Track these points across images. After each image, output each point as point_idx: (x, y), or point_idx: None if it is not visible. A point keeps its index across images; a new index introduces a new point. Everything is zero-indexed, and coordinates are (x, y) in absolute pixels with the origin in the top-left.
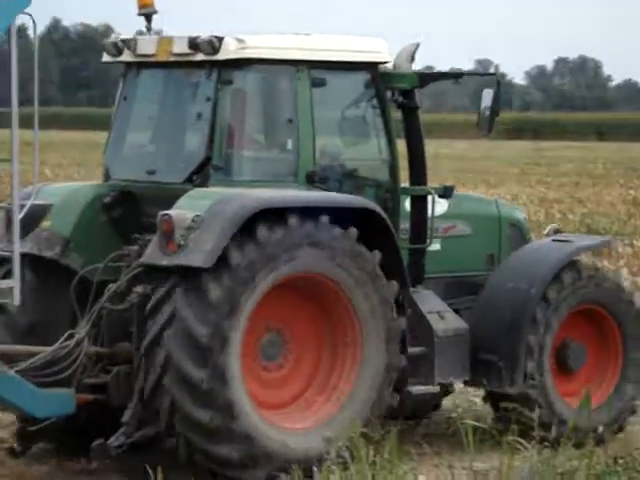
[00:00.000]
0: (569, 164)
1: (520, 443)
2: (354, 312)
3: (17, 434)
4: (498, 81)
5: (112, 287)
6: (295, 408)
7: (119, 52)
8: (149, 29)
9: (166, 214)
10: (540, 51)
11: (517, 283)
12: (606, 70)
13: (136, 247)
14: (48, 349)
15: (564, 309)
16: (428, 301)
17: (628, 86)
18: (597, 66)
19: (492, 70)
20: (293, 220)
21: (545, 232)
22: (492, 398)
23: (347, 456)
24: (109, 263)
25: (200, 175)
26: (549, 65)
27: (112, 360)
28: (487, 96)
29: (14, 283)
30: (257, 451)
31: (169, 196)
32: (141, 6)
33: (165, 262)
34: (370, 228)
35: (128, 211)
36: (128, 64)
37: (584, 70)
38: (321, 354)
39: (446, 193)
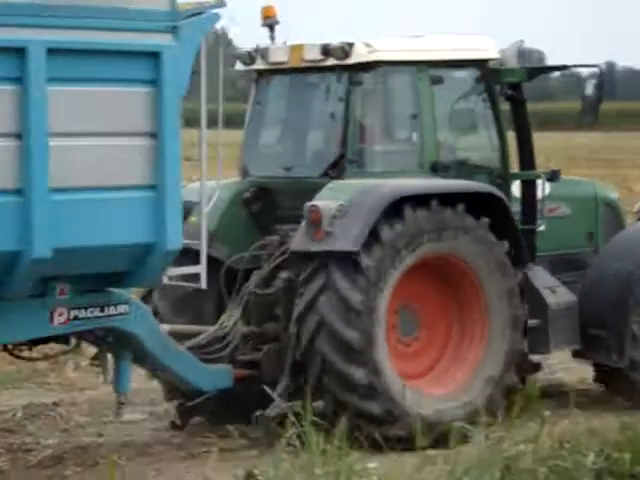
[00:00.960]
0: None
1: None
2: (483, 294)
3: (177, 409)
4: (602, 72)
5: (258, 273)
6: (431, 377)
7: (252, 61)
8: (273, 38)
9: (313, 205)
10: None
11: (623, 263)
12: (549, 61)
13: (277, 237)
14: (210, 329)
15: None
16: (540, 277)
17: (570, 76)
18: (540, 57)
19: None
20: (434, 205)
21: (635, 210)
22: (600, 370)
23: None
24: (252, 252)
25: (335, 169)
26: None
27: (261, 339)
28: (590, 86)
29: (201, 269)
30: (398, 410)
31: (306, 189)
32: (265, 17)
33: (314, 248)
34: (493, 213)
35: (266, 205)
36: (260, 71)
37: (529, 61)
38: (451, 329)
39: (553, 177)
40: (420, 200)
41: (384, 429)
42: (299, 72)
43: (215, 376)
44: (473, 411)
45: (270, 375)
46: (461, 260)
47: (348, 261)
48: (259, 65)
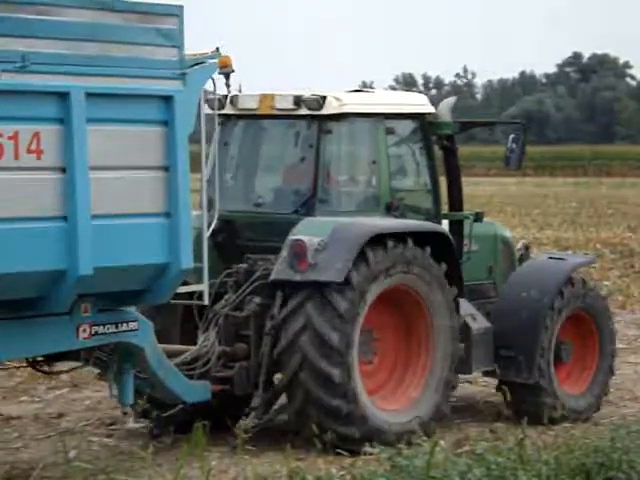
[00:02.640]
0: None
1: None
2: (428, 313)
3: (154, 420)
4: (525, 128)
5: (230, 298)
6: (386, 392)
7: (221, 106)
8: (228, 85)
9: (299, 239)
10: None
11: (530, 293)
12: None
13: (244, 265)
14: (193, 348)
15: (564, 315)
16: (463, 305)
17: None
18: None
19: None
20: (391, 243)
21: (518, 247)
22: (507, 387)
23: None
24: (222, 279)
25: (305, 207)
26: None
27: (232, 357)
28: (513, 139)
29: (204, 287)
30: (370, 429)
31: (275, 224)
32: (221, 67)
33: (298, 278)
34: (436, 246)
35: (230, 237)
36: (228, 115)
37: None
38: (402, 346)
39: (478, 218)
40: (377, 238)
41: (362, 447)
42: (268, 118)
43: (196, 390)
44: (423, 423)
45: (241, 390)
46: (410, 287)
47: (327, 297)
48: (228, 110)
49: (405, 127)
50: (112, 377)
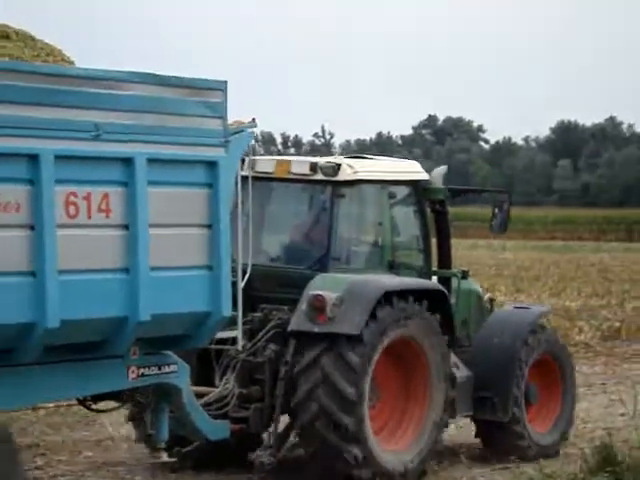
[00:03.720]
0: None
1: None
2: (425, 361)
3: (176, 454)
4: (510, 196)
5: (247, 344)
6: (386, 433)
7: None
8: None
9: (319, 294)
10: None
11: (501, 340)
12: None
13: (260, 314)
14: (216, 390)
15: (531, 361)
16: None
17: None
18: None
19: None
20: (396, 300)
21: (485, 298)
22: (483, 427)
23: None
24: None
25: (319, 263)
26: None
27: (247, 399)
28: (497, 206)
29: (238, 333)
30: (377, 469)
31: (291, 278)
32: None
33: (317, 329)
34: (433, 301)
35: (245, 289)
36: (245, 177)
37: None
38: (401, 391)
39: (464, 275)
40: (391, 295)
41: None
42: (284, 182)
43: (219, 428)
44: (421, 461)
45: (257, 428)
46: (410, 338)
47: (341, 352)
48: (245, 172)
49: (403, 192)
50: (149, 416)
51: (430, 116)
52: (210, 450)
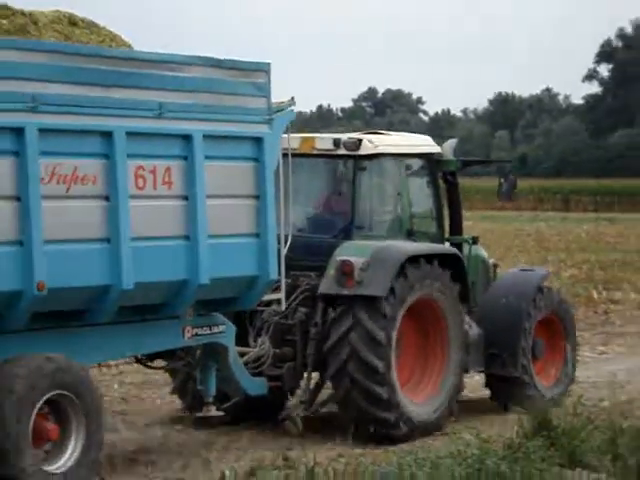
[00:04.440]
0: None
1: None
2: (445, 323)
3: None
4: (512, 166)
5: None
6: (410, 386)
7: None
8: None
9: (347, 259)
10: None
11: (508, 300)
12: None
13: (289, 280)
14: (254, 350)
15: (537, 318)
16: None
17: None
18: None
19: None
20: (416, 264)
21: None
22: (493, 381)
23: None
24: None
25: (344, 232)
26: None
27: (280, 358)
28: (505, 178)
29: (281, 296)
30: (402, 415)
31: (317, 246)
32: None
33: (346, 292)
34: (451, 266)
35: None
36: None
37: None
38: (420, 350)
39: (474, 241)
40: (412, 259)
41: (396, 432)
42: (309, 157)
43: (258, 385)
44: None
45: (290, 385)
46: (432, 299)
47: (374, 303)
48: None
49: (418, 164)
50: (198, 374)
51: (370, 89)
52: (245, 406)
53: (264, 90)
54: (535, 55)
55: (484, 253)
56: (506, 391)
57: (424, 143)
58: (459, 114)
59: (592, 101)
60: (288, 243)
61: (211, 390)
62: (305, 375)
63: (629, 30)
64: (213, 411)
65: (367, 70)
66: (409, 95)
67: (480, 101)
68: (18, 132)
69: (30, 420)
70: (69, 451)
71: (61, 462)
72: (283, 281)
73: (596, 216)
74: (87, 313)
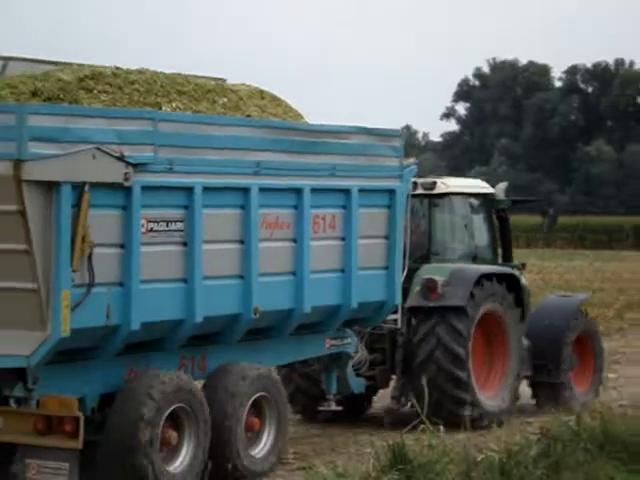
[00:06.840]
0: None
1: None
2: (506, 332)
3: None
4: (551, 204)
5: None
6: (479, 383)
7: None
8: None
9: (430, 278)
10: None
11: (552, 321)
12: None
13: None
14: (357, 355)
15: (574, 337)
16: None
17: None
18: None
19: None
20: (487, 282)
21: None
22: (540, 387)
23: None
24: None
25: (422, 257)
26: None
27: (372, 363)
28: (546, 212)
29: (398, 316)
30: (476, 400)
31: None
32: None
33: (431, 304)
34: (509, 284)
35: None
36: None
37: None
38: (486, 354)
39: (523, 266)
40: (483, 278)
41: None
42: None
43: (359, 384)
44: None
45: (382, 385)
46: (495, 312)
47: (451, 322)
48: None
49: (477, 203)
50: (325, 375)
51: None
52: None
53: (399, 151)
54: (393, 93)
55: (524, 278)
56: (551, 395)
57: (481, 185)
58: None
59: (450, 139)
60: (404, 273)
61: (332, 388)
62: (394, 376)
63: (486, 69)
64: (333, 406)
65: None
66: None
67: None
68: (245, 191)
69: (244, 415)
70: (264, 440)
71: (258, 449)
72: (399, 304)
73: None
74: (274, 329)
